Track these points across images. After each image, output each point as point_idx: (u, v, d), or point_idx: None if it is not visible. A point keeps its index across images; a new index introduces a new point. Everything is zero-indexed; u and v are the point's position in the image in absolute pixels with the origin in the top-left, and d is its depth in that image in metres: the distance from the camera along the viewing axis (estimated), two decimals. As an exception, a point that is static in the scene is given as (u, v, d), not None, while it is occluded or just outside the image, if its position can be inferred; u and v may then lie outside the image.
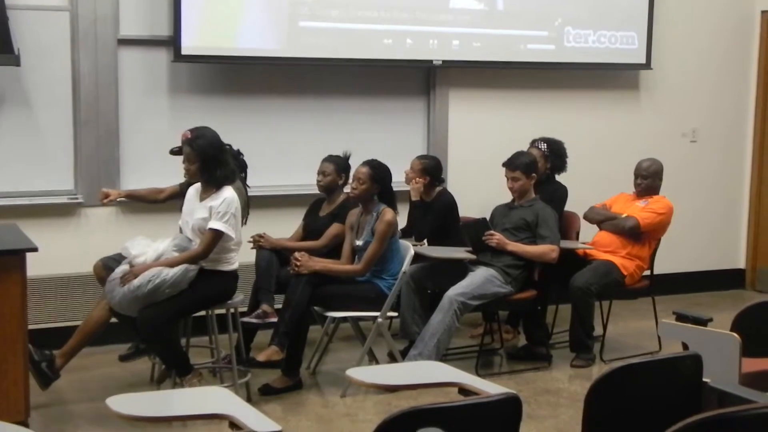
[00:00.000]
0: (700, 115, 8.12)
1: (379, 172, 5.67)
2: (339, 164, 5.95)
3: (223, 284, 5.14)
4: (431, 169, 6.30)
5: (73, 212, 6.22)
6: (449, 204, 6.28)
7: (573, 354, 6.14)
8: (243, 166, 5.79)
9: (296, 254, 5.51)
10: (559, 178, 6.60)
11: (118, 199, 5.86)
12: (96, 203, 6.03)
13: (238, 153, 5.74)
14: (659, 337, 6.15)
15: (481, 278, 5.77)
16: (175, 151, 5.62)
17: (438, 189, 6.33)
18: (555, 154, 6.52)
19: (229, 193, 5.05)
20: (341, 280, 5.60)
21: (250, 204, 5.76)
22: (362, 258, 5.60)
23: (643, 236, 6.28)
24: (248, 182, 5.84)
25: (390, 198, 5.72)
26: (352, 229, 5.75)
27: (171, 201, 5.87)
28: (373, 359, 5.81)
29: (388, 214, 5.58)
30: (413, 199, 6.24)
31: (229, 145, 5.43)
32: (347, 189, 5.93)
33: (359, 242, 5.66)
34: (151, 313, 4.87)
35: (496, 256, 5.88)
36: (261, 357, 5.36)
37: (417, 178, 6.24)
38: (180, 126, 5.69)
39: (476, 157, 7.17)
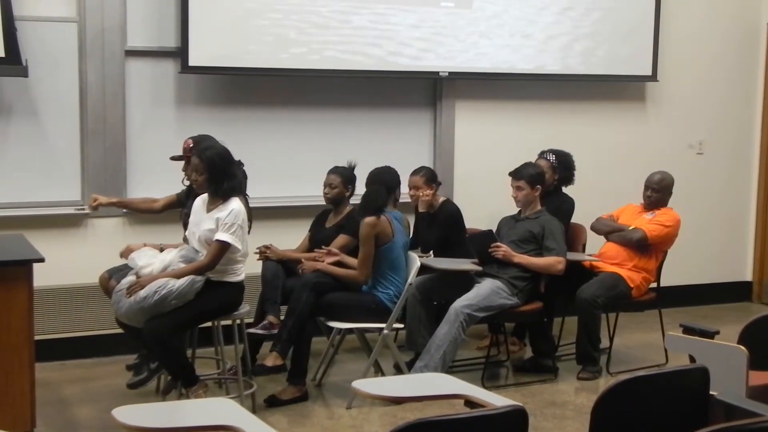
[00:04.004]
0: (706, 127, 8.12)
1: (346, 174, 5.94)
2: (345, 176, 5.96)
3: (229, 295, 5.14)
4: (432, 176, 6.26)
5: (80, 223, 6.23)
6: (454, 215, 6.26)
7: (579, 366, 6.12)
8: (244, 177, 5.79)
9: (303, 261, 5.58)
10: (565, 190, 6.60)
11: (107, 204, 5.83)
12: (102, 214, 6.05)
13: (239, 163, 5.75)
14: (666, 350, 6.14)
15: (487, 290, 5.77)
16: (175, 158, 5.65)
17: (442, 200, 6.32)
18: (563, 165, 6.51)
19: (236, 204, 5.05)
20: (344, 290, 5.61)
21: (252, 215, 5.75)
22: None
23: (650, 248, 6.27)
24: (255, 193, 5.84)
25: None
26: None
27: (169, 211, 5.88)
28: (379, 371, 5.80)
29: (367, 218, 5.62)
30: (421, 210, 6.22)
31: None
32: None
33: None
34: (158, 324, 4.87)
35: (502, 267, 5.87)
36: (269, 362, 5.37)
37: (425, 191, 6.19)
38: (187, 137, 5.72)
39: (483, 168, 7.17)
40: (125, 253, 5.28)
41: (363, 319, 5.59)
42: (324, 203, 6.09)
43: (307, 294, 5.41)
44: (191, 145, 5.51)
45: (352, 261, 5.67)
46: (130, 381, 5.33)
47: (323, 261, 5.64)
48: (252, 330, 5.56)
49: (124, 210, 6.14)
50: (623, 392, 3.00)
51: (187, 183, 5.65)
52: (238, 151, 5.49)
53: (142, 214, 6.06)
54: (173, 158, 5.68)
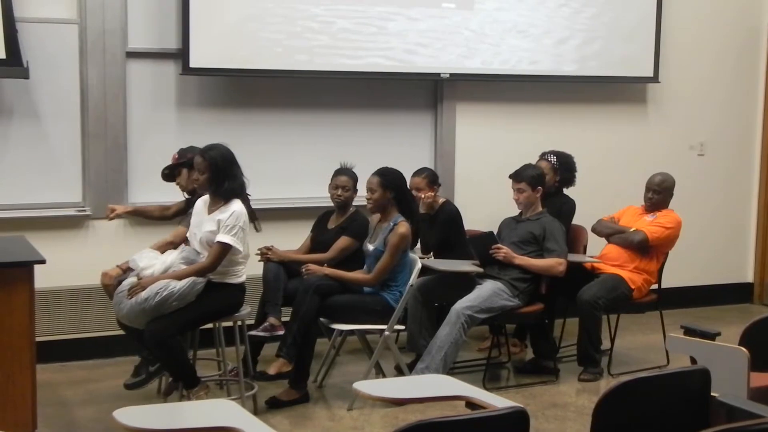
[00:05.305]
0: (707, 129, 8.11)
1: (387, 177, 5.67)
2: (354, 177, 5.95)
3: (230, 297, 5.14)
4: (434, 178, 6.28)
5: (81, 224, 6.24)
6: (454, 215, 6.27)
7: (580, 368, 6.12)
8: None
9: (307, 265, 5.58)
10: (566, 191, 6.60)
11: (123, 214, 5.88)
12: (103, 216, 6.04)
13: None
14: (667, 351, 6.13)
15: (488, 291, 5.77)
16: (165, 174, 5.67)
17: (442, 200, 6.33)
18: (564, 167, 6.51)
19: (237, 206, 5.06)
20: (349, 292, 5.60)
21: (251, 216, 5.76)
22: (373, 269, 5.61)
23: (651, 250, 6.27)
24: (256, 195, 5.81)
25: (406, 202, 5.72)
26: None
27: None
28: (380, 372, 5.80)
29: (402, 227, 5.57)
30: (422, 211, 6.21)
31: None
32: (361, 202, 5.94)
33: (371, 247, 5.67)
34: (159, 326, 4.87)
35: (503, 269, 5.87)
36: (272, 370, 5.36)
37: (427, 193, 6.19)
38: (187, 139, 5.74)
39: (483, 170, 7.17)
40: (106, 277, 5.25)
41: (368, 320, 5.58)
42: (327, 205, 6.08)
43: (311, 297, 5.40)
44: (177, 157, 5.63)
45: (346, 275, 5.63)
46: (127, 381, 5.34)
47: (311, 272, 5.58)
48: (253, 332, 5.55)
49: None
50: (624, 394, 3.00)
51: (187, 196, 5.68)
52: (239, 152, 5.50)
53: (156, 221, 6.03)
54: (164, 175, 5.71)
